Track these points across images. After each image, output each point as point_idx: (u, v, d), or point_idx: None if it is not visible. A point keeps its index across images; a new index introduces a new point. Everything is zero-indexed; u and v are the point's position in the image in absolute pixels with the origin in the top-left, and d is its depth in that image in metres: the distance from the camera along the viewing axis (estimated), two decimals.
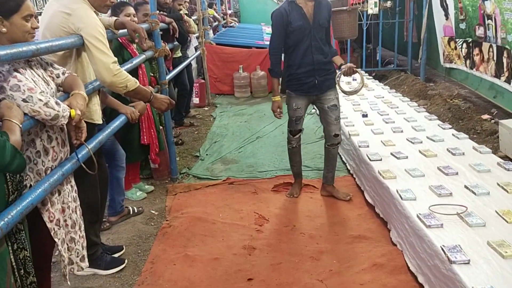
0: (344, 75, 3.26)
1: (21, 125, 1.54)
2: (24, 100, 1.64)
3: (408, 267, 2.47)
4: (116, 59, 2.35)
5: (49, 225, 1.84)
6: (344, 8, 6.51)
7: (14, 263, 1.58)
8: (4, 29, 1.69)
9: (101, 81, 2.33)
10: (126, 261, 2.71)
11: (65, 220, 1.96)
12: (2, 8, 1.67)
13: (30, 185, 1.73)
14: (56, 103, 1.74)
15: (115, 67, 2.31)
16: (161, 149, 3.76)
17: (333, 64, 3.29)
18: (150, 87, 3.15)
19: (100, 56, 2.24)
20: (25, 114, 1.63)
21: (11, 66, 1.68)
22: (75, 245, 2.06)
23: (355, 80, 6.30)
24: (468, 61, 5.25)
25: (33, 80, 1.73)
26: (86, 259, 2.15)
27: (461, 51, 5.40)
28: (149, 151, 3.64)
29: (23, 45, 1.64)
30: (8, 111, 1.52)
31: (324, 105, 3.30)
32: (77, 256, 2.07)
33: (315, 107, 6.14)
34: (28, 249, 1.64)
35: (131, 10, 3.35)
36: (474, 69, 5.11)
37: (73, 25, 2.22)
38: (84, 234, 2.15)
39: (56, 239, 1.87)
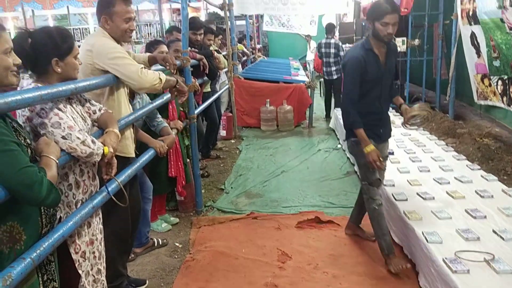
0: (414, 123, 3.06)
1: (57, 161, 1.63)
2: (63, 137, 1.75)
3: None
4: (142, 65, 2.48)
5: (74, 256, 1.89)
6: None
7: None
8: (59, 70, 1.83)
9: (140, 87, 2.46)
10: None
11: (93, 252, 2.02)
12: (58, 50, 1.81)
13: (60, 217, 1.81)
14: (92, 141, 1.84)
15: (143, 71, 2.42)
16: (187, 181, 3.83)
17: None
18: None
19: (128, 69, 2.35)
20: (62, 150, 1.72)
21: (54, 104, 1.79)
22: (101, 277, 2.10)
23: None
24: (505, 98, 5.19)
25: (72, 117, 1.84)
26: None
27: (497, 88, 5.34)
28: (175, 183, 3.71)
29: (63, 84, 1.75)
30: (46, 147, 1.62)
31: (381, 154, 2.99)
32: None
33: (340, 143, 6.13)
34: (57, 281, 1.69)
35: (164, 48, 3.51)
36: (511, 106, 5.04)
37: (97, 60, 2.35)
38: (105, 265, 2.20)
39: (80, 271, 1.91)
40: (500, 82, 5.23)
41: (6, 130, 1.41)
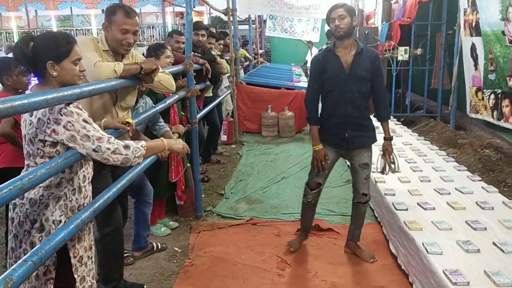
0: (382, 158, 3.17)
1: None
2: (94, 150, 1.80)
3: None
4: (100, 59, 2.36)
5: (72, 261, 1.90)
6: None
7: None
8: (55, 73, 1.82)
9: (95, 80, 2.26)
10: None
11: (91, 258, 2.03)
12: (53, 53, 1.80)
13: (65, 221, 1.81)
14: (125, 146, 1.88)
15: (98, 64, 2.30)
16: (187, 186, 3.83)
17: (370, 122, 3.11)
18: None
19: (85, 61, 2.17)
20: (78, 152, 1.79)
21: (79, 115, 1.81)
22: (95, 281, 2.10)
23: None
24: (495, 112, 5.21)
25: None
26: None
27: (488, 102, 5.37)
28: (175, 187, 3.71)
29: (68, 89, 1.75)
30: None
31: (355, 162, 3.10)
32: None
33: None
34: None
35: (168, 52, 3.50)
36: (502, 121, 5.06)
37: None
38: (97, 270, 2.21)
39: (75, 275, 1.91)
40: (492, 96, 5.26)
41: None
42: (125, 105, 2.62)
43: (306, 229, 3.48)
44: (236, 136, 7.14)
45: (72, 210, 1.87)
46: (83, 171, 1.94)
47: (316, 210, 3.46)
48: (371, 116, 3.16)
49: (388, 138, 3.15)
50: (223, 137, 6.90)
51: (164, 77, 2.77)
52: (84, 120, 1.82)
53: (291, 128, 7.37)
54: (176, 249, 3.48)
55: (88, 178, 2.00)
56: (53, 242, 1.54)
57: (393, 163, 3.20)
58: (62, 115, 1.77)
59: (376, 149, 3.24)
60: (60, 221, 1.82)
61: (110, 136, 1.89)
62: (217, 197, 4.67)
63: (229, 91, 6.79)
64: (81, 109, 1.84)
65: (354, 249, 3.32)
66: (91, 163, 2.03)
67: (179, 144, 2.32)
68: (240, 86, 7.40)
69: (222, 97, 6.09)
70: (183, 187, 3.79)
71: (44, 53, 1.79)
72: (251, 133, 7.61)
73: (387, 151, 3.17)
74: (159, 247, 3.42)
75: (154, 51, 3.43)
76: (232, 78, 6.90)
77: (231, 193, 4.75)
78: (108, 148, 1.82)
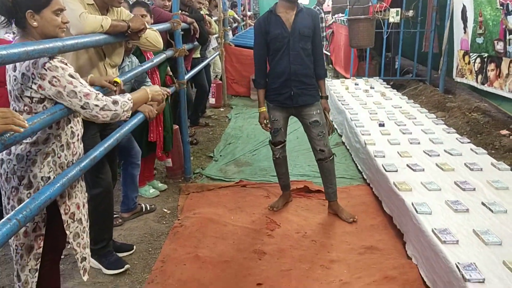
0: None
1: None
2: (82, 107, 1.74)
3: (424, 282, 2.43)
4: (84, 10, 2.22)
5: (63, 217, 1.87)
6: (361, 17, 6.48)
7: None
8: (35, 23, 1.72)
9: (78, 32, 2.16)
10: (127, 266, 2.68)
11: (84, 215, 2.00)
12: (33, 2, 1.70)
13: (54, 178, 1.76)
14: (114, 102, 1.83)
15: (83, 15, 2.17)
16: (167, 149, 3.72)
17: (314, 80, 3.17)
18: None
19: (68, 12, 2.05)
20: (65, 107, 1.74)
21: (64, 70, 1.73)
22: (88, 239, 2.08)
23: (373, 88, 6.27)
24: (480, 76, 5.20)
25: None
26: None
27: (474, 66, 5.35)
28: (155, 148, 3.63)
29: (50, 41, 1.65)
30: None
31: (305, 120, 3.19)
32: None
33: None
34: None
35: (142, 11, 3.31)
36: (486, 85, 5.05)
37: None
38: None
39: (67, 231, 1.90)
40: (478, 60, 5.24)
41: None
42: (113, 63, 2.53)
43: (285, 187, 3.53)
44: (225, 99, 7.05)
45: (61, 167, 1.83)
46: (71, 127, 1.88)
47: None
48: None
49: (324, 97, 3.26)
50: (212, 100, 6.80)
51: (151, 34, 2.66)
52: (70, 75, 1.74)
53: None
54: (165, 210, 3.46)
55: (78, 135, 1.94)
56: (38, 200, 1.48)
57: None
58: (46, 70, 1.70)
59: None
60: (49, 177, 1.78)
61: (98, 92, 1.82)
62: (206, 159, 4.64)
63: (217, 52, 6.64)
64: (66, 64, 1.76)
65: (335, 209, 3.34)
66: (79, 119, 1.97)
67: (158, 91, 2.30)
68: (228, 47, 7.24)
69: (210, 58, 5.95)
70: (162, 147, 3.69)
71: (24, 2, 1.69)
72: (240, 96, 7.52)
73: (325, 110, 3.24)
74: (148, 209, 3.40)
75: (131, 8, 3.27)
76: (220, 40, 6.74)
77: (220, 155, 4.72)
78: (97, 105, 1.77)
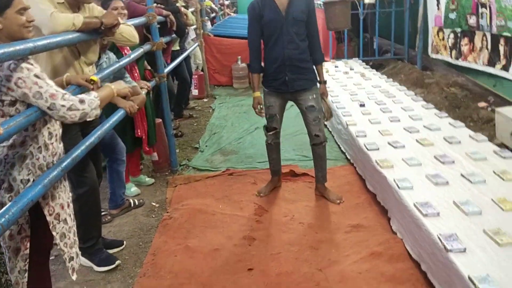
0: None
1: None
2: (49, 108, 1.71)
3: (410, 255, 2.51)
4: (54, 9, 2.19)
5: (48, 218, 1.86)
6: (336, 0, 6.51)
7: None
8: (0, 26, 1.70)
9: (51, 32, 2.13)
10: (118, 262, 2.70)
11: (70, 215, 2.01)
12: None
13: (34, 180, 1.77)
14: (81, 101, 1.81)
15: (54, 14, 2.14)
16: (150, 143, 3.73)
17: (310, 64, 3.17)
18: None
19: (39, 11, 2.07)
20: (40, 109, 1.72)
21: (30, 71, 1.69)
22: (76, 238, 2.09)
23: (352, 69, 6.32)
24: (454, 52, 5.29)
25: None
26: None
27: (448, 41, 5.43)
28: (140, 143, 3.64)
29: (21, 43, 1.64)
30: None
31: (301, 105, 3.19)
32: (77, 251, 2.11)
33: None
34: (8, 273, 1.68)
35: (119, 3, 3.31)
36: (460, 59, 5.14)
37: None
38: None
39: (54, 232, 1.89)
40: (452, 35, 5.32)
41: None
42: (88, 61, 2.52)
43: (274, 172, 3.56)
44: (207, 90, 7.04)
45: (41, 168, 1.83)
46: (48, 128, 1.87)
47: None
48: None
49: (323, 82, 3.24)
50: (194, 92, 6.79)
51: (126, 29, 2.66)
52: (36, 75, 1.71)
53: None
54: (154, 204, 3.48)
55: (56, 135, 1.93)
56: (20, 203, 1.49)
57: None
58: (11, 71, 1.66)
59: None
60: (28, 180, 1.78)
61: (65, 92, 1.79)
62: (192, 151, 4.65)
63: (196, 43, 6.60)
64: (32, 64, 1.73)
65: (322, 191, 3.40)
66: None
67: (124, 87, 2.33)
68: (207, 38, 7.21)
69: (189, 50, 5.92)
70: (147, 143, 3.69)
71: None
72: (222, 86, 7.51)
73: (323, 95, 3.24)
74: (137, 204, 3.42)
75: (103, 4, 3.24)
76: (199, 30, 6.70)
77: (206, 146, 4.74)
78: (63, 105, 1.73)
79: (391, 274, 2.39)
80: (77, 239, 2.09)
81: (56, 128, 1.93)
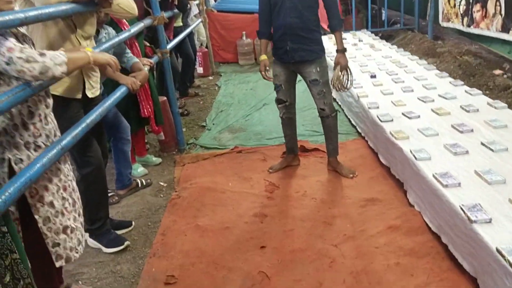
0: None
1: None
2: (7, 64, 1.53)
3: (429, 228, 2.40)
4: None
5: (29, 200, 1.71)
6: None
7: None
8: None
9: (44, 2, 2.00)
10: (127, 242, 2.63)
11: (68, 199, 1.88)
12: None
13: (9, 158, 1.63)
14: (41, 54, 1.61)
15: None
16: (158, 123, 3.61)
17: (316, 34, 3.02)
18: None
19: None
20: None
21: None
22: (78, 224, 1.97)
23: (361, 41, 6.13)
24: (465, 19, 5.07)
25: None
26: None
27: (459, 8, 5.21)
28: (146, 122, 3.52)
29: (11, 13, 1.53)
30: None
31: (305, 78, 3.10)
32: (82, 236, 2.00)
33: None
34: (16, 252, 1.53)
35: None
36: (472, 26, 4.93)
37: None
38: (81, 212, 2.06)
39: (36, 216, 1.73)
40: (463, 2, 5.11)
41: None
42: (86, 34, 2.40)
43: (289, 150, 3.45)
44: (213, 68, 6.90)
45: (17, 147, 1.66)
46: (28, 106, 1.70)
47: (297, 131, 3.45)
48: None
49: (339, 50, 3.07)
50: (199, 70, 6.66)
51: (123, 0, 2.52)
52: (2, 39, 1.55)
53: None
54: (162, 183, 3.40)
55: (40, 116, 1.75)
56: (17, 183, 1.40)
57: (347, 78, 3.17)
58: None
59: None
60: (3, 159, 1.63)
61: (24, 46, 1.62)
62: (199, 129, 4.55)
63: (199, 20, 6.44)
64: (7, 39, 1.57)
65: (335, 165, 3.30)
66: (45, 98, 1.81)
67: (104, 55, 2.10)
68: (211, 14, 7.03)
69: (192, 26, 5.76)
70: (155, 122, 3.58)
71: None
72: (228, 63, 7.37)
73: (339, 64, 3.09)
74: (144, 184, 3.34)
75: None
76: (201, 6, 6.53)
77: (213, 124, 4.64)
78: (20, 57, 1.54)
79: (410, 248, 2.29)
80: (72, 223, 1.90)
81: (40, 107, 1.76)
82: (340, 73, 3.11)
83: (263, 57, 3.18)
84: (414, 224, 2.46)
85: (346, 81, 3.17)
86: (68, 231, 1.84)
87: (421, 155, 2.60)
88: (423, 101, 3.54)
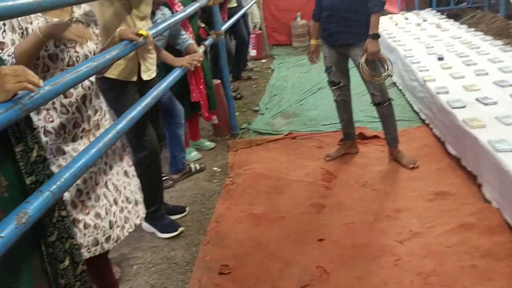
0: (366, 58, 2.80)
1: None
2: None
3: (510, 227, 2.16)
4: None
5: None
6: None
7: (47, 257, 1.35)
8: None
9: None
10: (181, 228, 2.58)
11: (101, 193, 1.74)
12: None
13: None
14: None
15: None
16: (212, 108, 3.44)
17: (362, 16, 2.80)
18: None
19: None
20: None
21: None
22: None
23: (425, 21, 5.73)
24: None
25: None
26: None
27: None
28: (199, 108, 3.42)
29: None
30: None
31: (354, 61, 2.96)
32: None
33: None
34: (74, 237, 1.45)
35: None
36: None
37: None
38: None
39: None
40: None
41: None
42: (141, 14, 2.32)
43: (346, 136, 3.29)
44: (266, 50, 6.75)
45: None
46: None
47: (355, 117, 3.27)
48: None
49: (370, 35, 2.76)
50: (253, 52, 6.53)
51: None
52: None
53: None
54: (215, 169, 3.33)
55: (53, 103, 1.59)
56: (73, 168, 1.34)
57: (382, 66, 2.87)
58: None
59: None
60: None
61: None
62: (252, 114, 4.44)
63: (254, 0, 6.28)
64: None
65: (395, 154, 3.09)
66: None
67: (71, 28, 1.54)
68: None
69: (247, 7, 5.62)
70: (207, 107, 3.46)
71: None
72: (281, 45, 7.21)
73: (366, 51, 2.78)
74: (198, 168, 3.28)
75: None
76: None
77: (266, 108, 4.51)
78: None
79: (487, 249, 2.06)
80: (95, 221, 1.69)
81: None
82: (363, 60, 2.80)
83: (314, 41, 3.14)
84: (492, 222, 2.21)
85: (381, 69, 2.85)
86: (81, 226, 1.65)
87: (502, 146, 2.33)
88: (500, 85, 3.22)
